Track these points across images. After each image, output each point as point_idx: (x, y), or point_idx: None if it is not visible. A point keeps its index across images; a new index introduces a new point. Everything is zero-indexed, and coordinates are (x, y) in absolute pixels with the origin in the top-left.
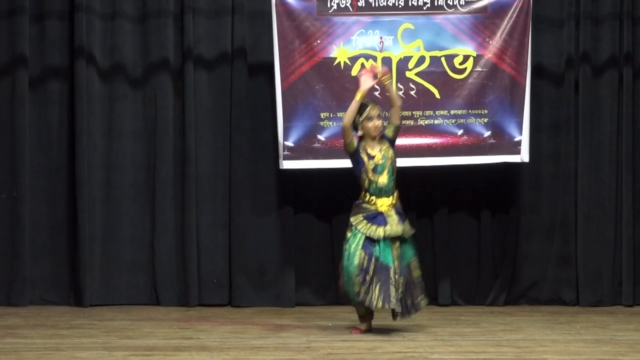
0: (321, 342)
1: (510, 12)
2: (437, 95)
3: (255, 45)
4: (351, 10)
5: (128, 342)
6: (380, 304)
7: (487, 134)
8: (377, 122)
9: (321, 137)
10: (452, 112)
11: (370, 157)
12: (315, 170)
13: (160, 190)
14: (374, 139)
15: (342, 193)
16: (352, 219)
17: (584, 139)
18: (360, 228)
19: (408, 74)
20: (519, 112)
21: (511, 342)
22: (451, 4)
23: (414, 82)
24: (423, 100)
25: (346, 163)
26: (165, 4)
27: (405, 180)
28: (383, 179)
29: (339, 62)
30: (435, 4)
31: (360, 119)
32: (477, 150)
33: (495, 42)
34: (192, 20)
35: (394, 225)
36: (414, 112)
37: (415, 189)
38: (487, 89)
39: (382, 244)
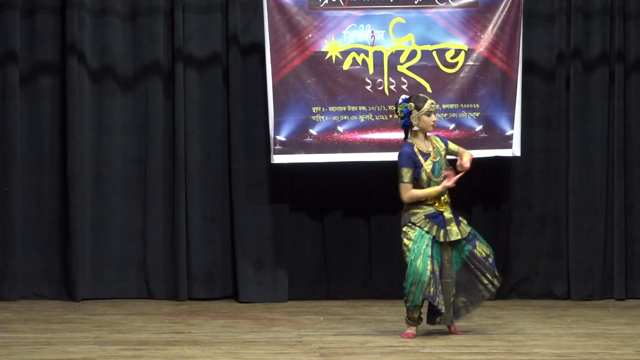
0: (312, 337)
1: (502, 7)
2: (429, 90)
3: (247, 40)
4: (342, 4)
5: (119, 336)
6: (442, 307)
7: (478, 128)
8: (435, 117)
9: (313, 132)
10: (443, 106)
11: (425, 155)
12: (308, 165)
13: (151, 184)
14: (426, 135)
15: (334, 187)
16: (412, 219)
17: (575, 134)
18: (425, 227)
19: (400, 68)
20: (511, 107)
21: (502, 336)
22: None
23: (406, 77)
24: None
25: (338, 157)
26: (156, 0)
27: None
28: (440, 177)
29: (331, 57)
30: None
31: (419, 113)
32: (468, 144)
33: (487, 37)
34: (183, 16)
35: (453, 232)
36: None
37: None
38: (479, 83)
39: (437, 246)
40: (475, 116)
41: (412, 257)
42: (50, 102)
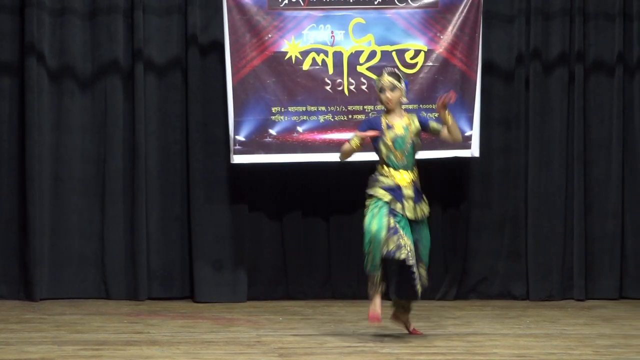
0: (271, 337)
1: (461, 7)
2: None
3: (207, 40)
4: (302, 4)
5: (78, 336)
6: (408, 257)
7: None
8: (389, 94)
9: (272, 132)
10: (403, 107)
11: (389, 127)
12: (267, 165)
13: (109, 184)
14: (389, 112)
15: (294, 187)
16: (369, 191)
17: (534, 135)
18: (380, 195)
19: (359, 69)
20: (470, 107)
21: (461, 337)
22: None
23: (365, 77)
24: (374, 95)
25: (297, 157)
26: (115, 0)
27: (355, 175)
28: (402, 152)
29: (290, 57)
30: None
31: (377, 90)
32: (428, 145)
33: (447, 37)
34: (143, 16)
35: (409, 210)
36: (365, 107)
37: (366, 184)
38: (438, 84)
39: (403, 220)
40: (435, 116)
41: (367, 220)
42: (8, 101)
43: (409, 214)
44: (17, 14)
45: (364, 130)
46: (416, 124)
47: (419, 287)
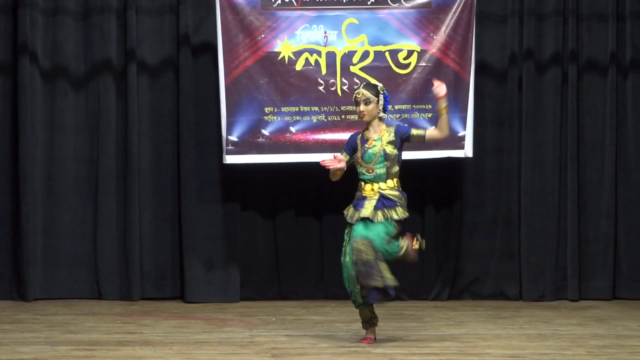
0: (264, 337)
1: (455, 8)
2: None
3: (199, 40)
4: (295, 4)
5: (71, 336)
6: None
7: (431, 128)
8: (362, 107)
9: (265, 132)
10: (396, 107)
11: (364, 141)
12: (260, 165)
13: (102, 184)
14: (368, 125)
15: (287, 188)
16: (344, 211)
17: (528, 135)
18: (347, 216)
19: (352, 69)
20: (463, 108)
21: (454, 337)
22: None
23: (358, 77)
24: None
25: (290, 158)
26: (108, 0)
27: (347, 175)
28: (371, 165)
29: (283, 57)
30: None
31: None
32: (421, 145)
33: (440, 38)
34: (135, 16)
35: (367, 209)
36: None
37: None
38: (431, 84)
39: (351, 232)
40: (428, 117)
41: (342, 257)
42: (1, 101)
43: (365, 212)
44: (10, 14)
45: (347, 149)
46: (391, 135)
47: (379, 280)
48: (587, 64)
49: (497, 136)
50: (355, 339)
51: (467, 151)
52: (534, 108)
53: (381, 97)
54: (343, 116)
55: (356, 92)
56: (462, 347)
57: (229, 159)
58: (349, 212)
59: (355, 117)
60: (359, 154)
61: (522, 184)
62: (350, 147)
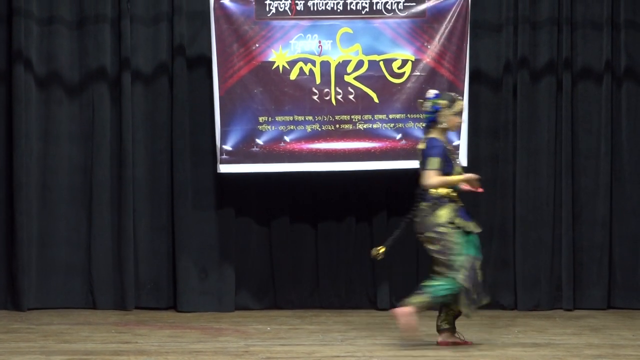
0: (260, 347)
1: (449, 17)
2: (376, 100)
3: (194, 49)
4: (290, 14)
5: (66, 346)
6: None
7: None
8: (461, 119)
9: (259, 141)
10: (390, 116)
11: (452, 153)
12: (254, 174)
13: (97, 193)
14: (444, 135)
15: (281, 197)
16: (445, 216)
17: (522, 144)
18: (457, 222)
19: (347, 78)
20: None
21: (449, 346)
22: (390, 8)
23: (353, 87)
24: (362, 105)
25: (284, 167)
26: (103, 9)
27: (344, 184)
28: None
29: (278, 66)
30: (374, 8)
31: (450, 112)
32: (415, 155)
33: (434, 47)
34: (130, 25)
35: (473, 225)
36: (352, 117)
37: (354, 193)
38: (426, 94)
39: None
40: (422, 126)
41: (461, 256)
42: None
43: (476, 228)
44: (4, 23)
45: (442, 155)
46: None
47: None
48: (582, 72)
49: (492, 145)
50: (351, 349)
51: (462, 160)
52: (529, 116)
53: None
54: (337, 125)
55: (457, 102)
56: (458, 356)
57: (223, 168)
58: (458, 220)
59: (349, 126)
60: (457, 166)
61: (516, 193)
62: (444, 156)
